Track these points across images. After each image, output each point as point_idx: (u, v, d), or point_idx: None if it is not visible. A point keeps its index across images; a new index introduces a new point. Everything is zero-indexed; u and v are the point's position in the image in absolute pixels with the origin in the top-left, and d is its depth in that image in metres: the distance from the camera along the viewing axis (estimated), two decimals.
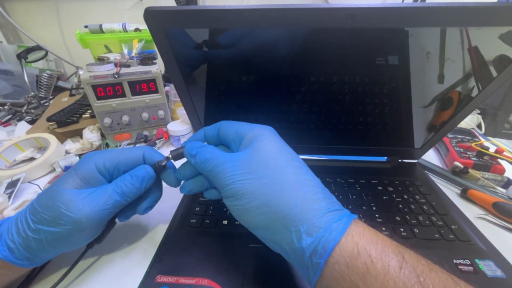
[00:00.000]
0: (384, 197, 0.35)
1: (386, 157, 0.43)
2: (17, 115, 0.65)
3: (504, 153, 0.43)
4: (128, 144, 0.51)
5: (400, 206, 0.34)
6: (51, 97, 0.73)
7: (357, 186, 0.37)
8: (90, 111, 0.56)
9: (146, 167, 0.26)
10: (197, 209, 0.33)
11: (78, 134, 0.52)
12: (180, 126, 0.51)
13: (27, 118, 0.63)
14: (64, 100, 0.65)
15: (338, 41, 0.29)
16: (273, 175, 0.21)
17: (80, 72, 0.47)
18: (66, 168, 0.43)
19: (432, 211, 0.33)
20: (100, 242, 0.26)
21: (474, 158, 0.42)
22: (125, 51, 0.56)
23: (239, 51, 0.30)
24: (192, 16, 0.26)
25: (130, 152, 0.26)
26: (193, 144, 0.25)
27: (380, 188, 0.37)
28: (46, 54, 0.78)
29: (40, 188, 0.40)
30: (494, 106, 0.56)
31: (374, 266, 0.17)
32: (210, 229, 0.31)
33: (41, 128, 0.52)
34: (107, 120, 0.49)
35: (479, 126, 0.57)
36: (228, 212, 0.32)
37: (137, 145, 0.50)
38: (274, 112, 0.36)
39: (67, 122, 0.53)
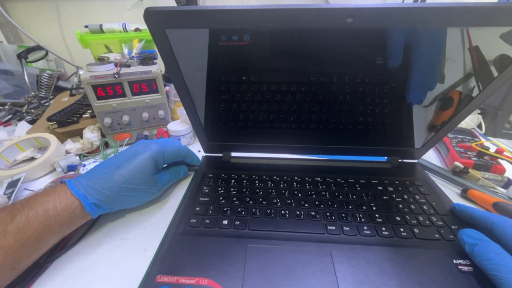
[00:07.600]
0: (384, 197, 0.35)
1: (386, 157, 0.43)
2: (17, 115, 0.66)
3: (505, 153, 0.43)
4: (126, 144, 0.51)
5: (400, 206, 0.34)
6: (51, 97, 0.73)
7: (357, 186, 0.37)
8: (90, 111, 0.56)
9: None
10: (197, 209, 0.33)
11: (79, 134, 0.52)
12: (180, 126, 0.51)
13: (27, 118, 0.63)
14: (64, 100, 0.65)
15: (338, 41, 0.29)
16: None
17: (80, 72, 0.47)
18: (68, 168, 0.43)
19: (432, 211, 0.33)
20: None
21: (475, 158, 0.42)
22: (125, 51, 0.55)
23: (240, 51, 0.30)
24: (192, 16, 0.26)
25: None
26: (472, 232, 0.26)
27: (380, 188, 0.37)
28: (46, 54, 0.78)
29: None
30: (494, 106, 0.56)
31: None
32: (210, 229, 0.31)
33: (42, 128, 0.52)
34: (107, 120, 0.49)
35: (479, 126, 0.57)
36: (228, 212, 0.33)
37: None
38: (274, 112, 0.36)
39: (67, 122, 0.53)
